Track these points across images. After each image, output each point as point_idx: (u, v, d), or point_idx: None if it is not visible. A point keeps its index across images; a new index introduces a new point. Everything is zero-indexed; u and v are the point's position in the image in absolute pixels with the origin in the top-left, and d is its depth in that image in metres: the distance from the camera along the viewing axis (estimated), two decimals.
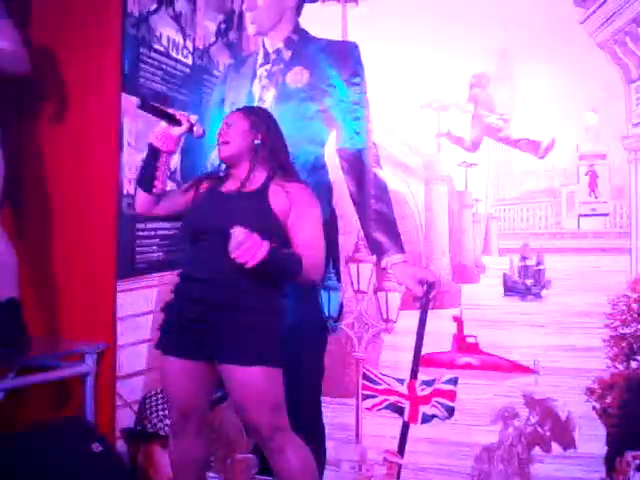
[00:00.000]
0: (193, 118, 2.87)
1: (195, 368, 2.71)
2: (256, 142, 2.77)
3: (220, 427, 3.52)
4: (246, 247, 2.44)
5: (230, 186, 2.79)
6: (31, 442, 3.05)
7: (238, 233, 2.44)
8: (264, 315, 2.66)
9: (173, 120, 2.76)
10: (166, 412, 3.40)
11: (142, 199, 2.85)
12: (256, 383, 2.62)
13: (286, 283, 2.77)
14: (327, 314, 3.52)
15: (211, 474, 3.30)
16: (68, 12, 3.57)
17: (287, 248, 2.66)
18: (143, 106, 2.78)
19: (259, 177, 2.76)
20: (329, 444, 3.52)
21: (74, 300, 3.57)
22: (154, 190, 2.81)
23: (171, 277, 3.84)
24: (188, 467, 2.85)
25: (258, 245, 2.45)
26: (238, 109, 2.92)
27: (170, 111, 2.80)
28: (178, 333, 2.71)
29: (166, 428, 3.35)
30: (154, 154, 2.80)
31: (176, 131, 2.79)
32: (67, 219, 3.59)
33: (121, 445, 3.50)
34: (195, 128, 2.82)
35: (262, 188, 2.73)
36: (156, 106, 2.82)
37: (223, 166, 2.87)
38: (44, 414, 3.50)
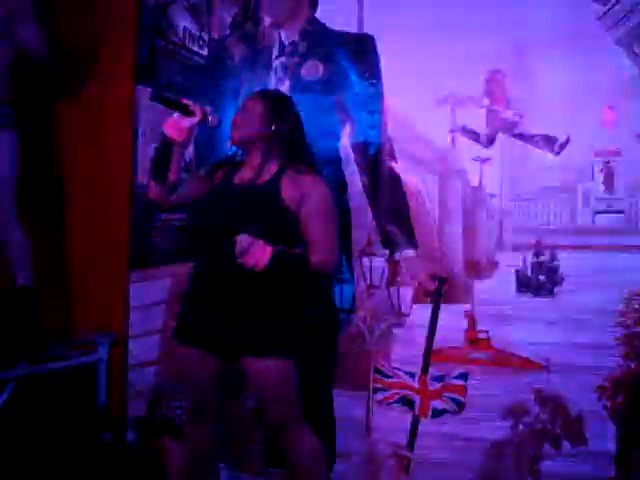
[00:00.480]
0: (207, 109, 2.84)
1: (211, 358, 2.72)
2: (272, 128, 2.70)
3: (230, 418, 3.53)
4: (251, 253, 2.46)
5: (243, 175, 2.76)
6: (43, 430, 3.07)
7: (243, 241, 2.47)
8: (281, 307, 2.66)
9: (186, 111, 2.74)
10: (177, 402, 3.41)
11: (155, 189, 2.82)
12: (273, 374, 2.63)
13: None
14: (340, 307, 3.52)
15: (221, 464, 3.31)
16: (84, 3, 3.58)
17: (299, 242, 2.66)
18: (156, 97, 2.77)
19: (272, 167, 2.70)
20: (339, 436, 3.53)
21: (88, 290, 3.58)
22: (167, 181, 2.80)
23: (185, 267, 3.86)
24: (201, 455, 2.87)
25: (263, 250, 2.47)
26: (257, 91, 2.87)
27: (183, 101, 2.78)
28: (195, 324, 2.72)
29: (177, 418, 3.36)
30: (167, 145, 2.76)
31: (189, 121, 2.77)
32: (82, 209, 3.60)
33: (132, 434, 3.51)
34: (210, 118, 2.79)
35: (274, 180, 2.68)
36: (168, 97, 2.80)
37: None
38: (56, 403, 3.52)
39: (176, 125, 2.73)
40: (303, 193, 2.65)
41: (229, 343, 2.66)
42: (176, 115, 2.74)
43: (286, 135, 2.72)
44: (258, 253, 2.46)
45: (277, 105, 2.75)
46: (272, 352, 2.62)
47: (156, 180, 2.77)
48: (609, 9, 3.47)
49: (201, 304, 2.71)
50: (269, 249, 2.49)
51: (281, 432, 2.73)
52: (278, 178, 2.68)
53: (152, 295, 3.68)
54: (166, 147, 2.75)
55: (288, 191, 2.66)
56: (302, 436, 2.74)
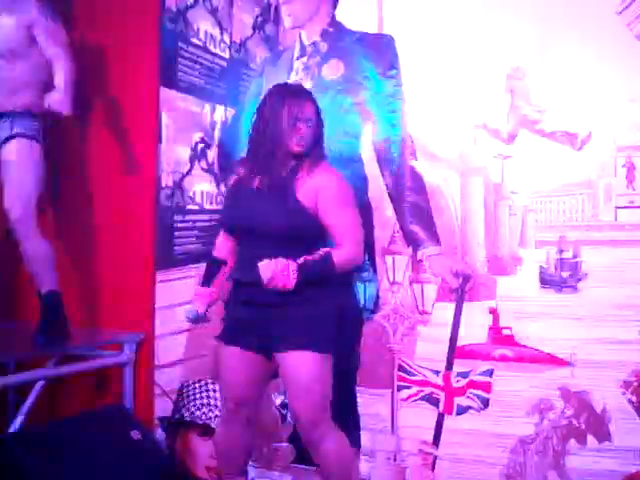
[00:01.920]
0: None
1: (253, 359, 2.76)
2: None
3: (258, 416, 3.56)
4: (278, 278, 2.53)
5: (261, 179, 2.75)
6: (71, 429, 3.11)
7: (265, 269, 2.53)
8: (317, 303, 2.68)
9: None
10: (203, 401, 3.44)
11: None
12: (307, 368, 2.66)
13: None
14: (363, 305, 3.54)
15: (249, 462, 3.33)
16: (107, 9, 3.62)
17: (321, 242, 2.68)
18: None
19: (288, 163, 2.70)
20: (364, 434, 3.54)
21: (114, 291, 3.62)
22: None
23: None
24: (234, 454, 2.90)
25: (287, 270, 2.54)
26: (304, 91, 2.85)
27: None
28: (238, 327, 2.77)
29: (203, 416, 3.39)
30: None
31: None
32: (107, 211, 3.64)
33: (159, 433, 3.55)
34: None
35: (290, 177, 2.69)
36: None
37: None
38: (84, 402, 3.56)
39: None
40: (317, 187, 2.67)
41: (267, 338, 2.69)
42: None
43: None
44: (284, 275, 2.54)
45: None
46: (309, 346, 2.65)
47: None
48: (629, 4, 3.45)
49: (239, 311, 2.76)
50: (294, 267, 2.55)
51: (311, 430, 2.74)
52: (292, 177, 2.69)
53: (177, 296, 3.72)
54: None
55: (303, 191, 2.67)
56: (333, 434, 2.75)
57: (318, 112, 2.73)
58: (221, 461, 2.94)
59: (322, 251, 2.64)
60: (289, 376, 2.71)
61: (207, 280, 2.89)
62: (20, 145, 3.30)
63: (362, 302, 3.54)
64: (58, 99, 3.28)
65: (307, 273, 2.58)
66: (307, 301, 2.66)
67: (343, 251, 2.65)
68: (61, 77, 3.31)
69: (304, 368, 2.66)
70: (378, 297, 3.63)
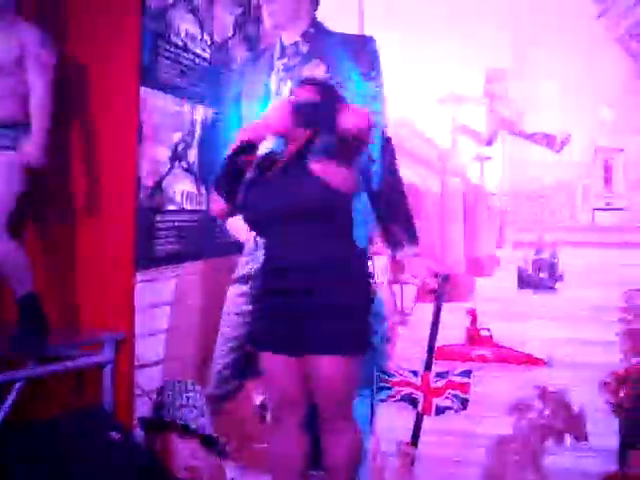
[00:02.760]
0: None
1: (292, 362, 2.75)
2: None
3: (237, 417, 3.56)
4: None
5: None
6: (50, 430, 3.09)
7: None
8: (350, 305, 2.70)
9: None
10: (183, 401, 3.43)
11: (218, 205, 2.84)
12: (339, 372, 2.68)
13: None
14: None
15: (229, 463, 3.33)
16: (87, 8, 3.60)
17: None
18: None
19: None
20: None
21: (93, 290, 3.61)
22: (236, 202, 2.79)
23: (189, 268, 3.89)
24: (288, 461, 2.86)
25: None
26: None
27: None
28: (271, 327, 2.75)
29: (183, 417, 3.38)
30: (244, 149, 2.74)
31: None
32: (86, 212, 3.63)
33: (139, 434, 3.54)
34: None
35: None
36: None
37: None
38: (63, 403, 3.54)
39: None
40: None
41: (299, 340, 2.69)
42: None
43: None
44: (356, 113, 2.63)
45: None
46: (342, 351, 2.67)
47: (224, 195, 2.78)
48: (608, 8, 3.49)
49: (270, 305, 2.75)
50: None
51: (332, 421, 2.76)
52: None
53: (157, 295, 3.71)
54: (242, 153, 2.72)
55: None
56: (351, 428, 2.80)
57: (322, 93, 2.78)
58: (276, 469, 2.90)
59: None
60: (320, 378, 2.72)
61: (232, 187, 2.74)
62: None
63: None
64: (31, 153, 3.32)
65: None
66: (338, 304, 2.66)
67: None
68: (37, 125, 3.33)
69: (337, 373, 2.68)
70: None
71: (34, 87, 3.36)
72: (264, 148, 2.72)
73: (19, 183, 3.36)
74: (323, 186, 2.64)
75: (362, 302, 2.74)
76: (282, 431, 2.86)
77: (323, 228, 2.66)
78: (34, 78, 3.36)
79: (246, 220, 2.86)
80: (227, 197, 2.78)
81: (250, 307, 2.91)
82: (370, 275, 2.85)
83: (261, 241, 3.10)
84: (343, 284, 2.69)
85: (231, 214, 2.84)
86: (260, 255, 3.39)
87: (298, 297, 2.68)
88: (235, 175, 2.76)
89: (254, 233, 3.42)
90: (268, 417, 3.44)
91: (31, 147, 3.33)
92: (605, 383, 3.30)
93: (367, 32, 3.64)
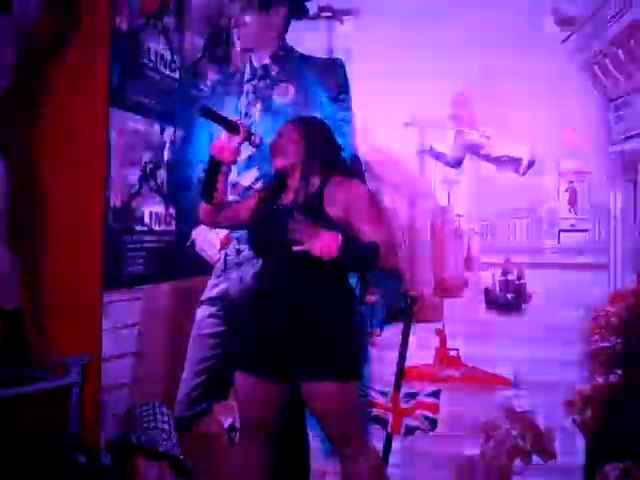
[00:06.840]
0: (252, 129, 2.93)
1: (274, 387, 2.75)
2: (311, 155, 2.79)
3: (205, 440, 3.54)
4: (320, 239, 2.49)
5: (288, 197, 2.81)
6: (15, 453, 3.05)
7: (298, 224, 2.52)
8: (342, 330, 2.69)
9: (233, 128, 2.83)
10: (150, 424, 3.41)
11: (204, 209, 2.92)
12: (336, 398, 2.66)
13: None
14: None
15: None
16: (57, 28, 3.60)
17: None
18: (204, 112, 2.89)
19: (314, 183, 2.77)
20: (314, 456, 3.54)
21: (60, 312, 3.57)
22: (214, 201, 2.87)
23: (157, 290, 3.87)
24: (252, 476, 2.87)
25: (331, 236, 2.51)
26: (288, 121, 2.93)
27: (231, 119, 2.89)
28: (255, 352, 2.75)
29: (150, 440, 3.35)
30: (214, 166, 2.86)
31: (234, 142, 2.84)
32: (54, 232, 3.60)
33: (105, 457, 3.50)
34: (252, 137, 2.88)
35: (317, 194, 2.74)
36: (216, 113, 2.90)
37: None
38: (29, 425, 3.50)
39: (224, 146, 2.84)
40: (348, 199, 2.70)
41: (287, 367, 2.69)
42: (224, 136, 2.84)
43: (324, 157, 2.80)
44: (327, 239, 2.49)
45: (313, 132, 2.84)
46: (334, 376, 2.65)
47: (206, 200, 2.88)
48: (572, 34, 3.56)
49: (260, 328, 2.74)
50: (339, 237, 2.51)
51: (343, 447, 2.73)
52: (321, 191, 2.74)
53: (125, 317, 3.68)
54: (214, 167, 2.86)
55: (331, 202, 2.71)
56: (365, 451, 2.75)
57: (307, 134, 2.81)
58: None
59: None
60: (317, 407, 2.71)
61: (210, 187, 2.87)
62: None
63: None
64: None
65: (349, 246, 2.54)
66: (327, 326, 2.66)
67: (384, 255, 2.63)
68: None
69: (332, 400, 2.66)
70: None
71: None
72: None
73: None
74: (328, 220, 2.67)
75: (352, 326, 2.73)
76: (249, 446, 2.85)
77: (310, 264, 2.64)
78: None
79: (249, 241, 2.92)
80: (207, 197, 2.87)
81: (226, 328, 2.90)
82: (355, 299, 2.85)
83: (233, 262, 3.12)
84: (332, 310, 2.69)
85: (218, 211, 2.89)
86: (233, 276, 3.40)
87: (288, 321, 2.67)
88: (211, 173, 2.87)
89: (229, 253, 3.44)
90: (237, 439, 3.42)
91: None
92: (571, 402, 3.33)
93: (336, 55, 3.67)
